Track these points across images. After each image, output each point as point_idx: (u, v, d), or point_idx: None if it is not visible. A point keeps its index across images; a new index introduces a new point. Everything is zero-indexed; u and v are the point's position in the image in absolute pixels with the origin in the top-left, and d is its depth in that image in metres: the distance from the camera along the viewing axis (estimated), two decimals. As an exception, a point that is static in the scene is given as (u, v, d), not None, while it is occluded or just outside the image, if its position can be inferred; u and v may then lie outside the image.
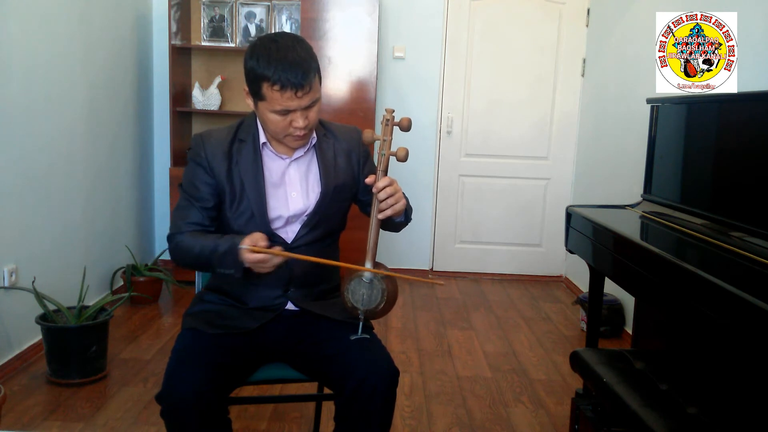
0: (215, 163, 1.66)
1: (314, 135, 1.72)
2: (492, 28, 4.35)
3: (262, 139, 1.69)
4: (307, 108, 1.58)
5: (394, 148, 1.55)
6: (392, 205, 1.54)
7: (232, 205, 1.67)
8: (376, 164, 1.57)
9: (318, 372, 1.67)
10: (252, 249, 1.48)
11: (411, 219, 1.78)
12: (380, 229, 1.75)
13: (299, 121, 1.58)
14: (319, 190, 1.71)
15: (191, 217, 1.66)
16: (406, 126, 1.56)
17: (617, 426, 2.04)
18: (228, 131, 1.71)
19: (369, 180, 1.55)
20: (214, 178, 1.66)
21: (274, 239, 1.68)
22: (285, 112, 1.57)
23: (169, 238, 1.68)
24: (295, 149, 1.70)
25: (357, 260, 1.60)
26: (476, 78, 4.38)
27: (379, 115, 4.08)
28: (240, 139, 1.70)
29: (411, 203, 1.78)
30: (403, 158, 1.53)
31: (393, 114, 1.56)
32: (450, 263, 4.60)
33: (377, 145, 1.58)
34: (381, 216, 1.55)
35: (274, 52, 1.53)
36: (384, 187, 1.53)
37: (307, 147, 1.72)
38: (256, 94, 1.58)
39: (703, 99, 2.08)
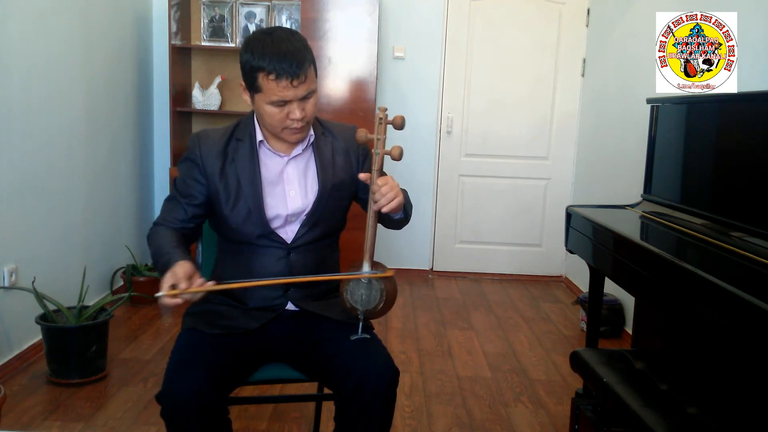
0: (209, 161, 1.67)
1: (312, 132, 1.72)
2: (492, 28, 4.35)
3: (259, 137, 1.70)
4: (304, 99, 1.59)
5: (388, 147, 1.55)
6: (391, 200, 1.53)
7: (228, 203, 1.67)
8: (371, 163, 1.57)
9: (318, 372, 1.67)
10: (169, 294, 1.40)
11: (411, 215, 1.77)
12: (384, 228, 1.75)
13: (296, 113, 1.58)
14: (317, 188, 1.71)
15: (173, 213, 1.67)
16: (399, 124, 1.56)
17: (617, 426, 2.04)
18: (225, 131, 1.72)
19: (363, 176, 1.55)
20: (207, 177, 1.67)
21: (272, 239, 1.68)
22: (282, 103, 1.57)
23: (152, 225, 1.69)
24: (293, 146, 1.70)
25: (356, 260, 1.60)
26: (476, 78, 4.38)
27: (379, 115, 4.08)
28: (237, 138, 1.70)
29: (411, 202, 1.78)
30: (398, 157, 1.53)
31: (386, 112, 1.56)
32: (450, 263, 4.60)
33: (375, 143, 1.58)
34: (375, 208, 1.54)
35: (268, 44, 1.54)
36: (381, 186, 1.53)
37: (305, 144, 1.72)
38: (252, 87, 1.58)
39: (703, 99, 2.07)
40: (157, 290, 1.44)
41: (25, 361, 2.79)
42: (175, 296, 1.41)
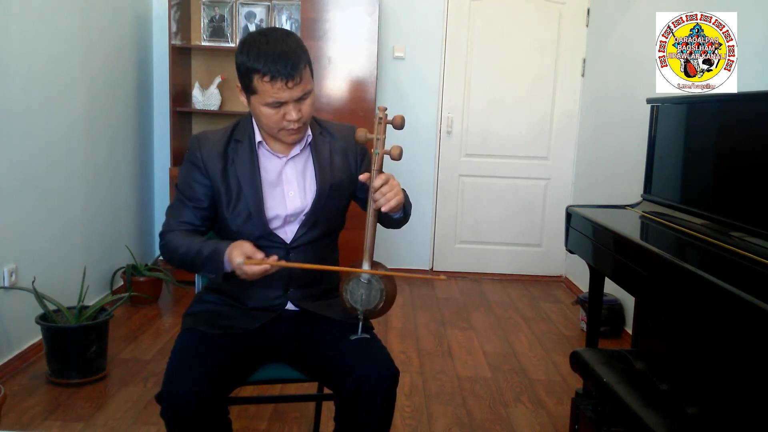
0: (210, 163, 1.66)
1: (310, 133, 1.72)
2: (492, 28, 4.35)
3: (258, 138, 1.70)
4: (300, 100, 1.58)
5: (388, 147, 1.55)
6: (390, 199, 1.53)
7: (228, 205, 1.67)
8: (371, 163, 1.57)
9: (318, 372, 1.67)
10: (249, 262, 1.47)
11: (410, 214, 1.77)
12: (384, 228, 1.75)
13: (292, 114, 1.58)
14: (315, 188, 1.71)
15: (183, 217, 1.67)
16: (399, 124, 1.56)
17: (617, 426, 2.04)
18: (224, 132, 1.71)
19: (363, 177, 1.55)
20: (209, 179, 1.67)
21: (271, 239, 1.68)
22: (277, 105, 1.57)
23: (161, 235, 1.69)
24: (291, 146, 1.70)
25: (355, 260, 1.59)
26: (476, 78, 4.38)
27: (379, 115, 4.08)
28: (236, 139, 1.70)
29: (410, 201, 1.78)
30: (398, 156, 1.53)
31: (386, 112, 1.56)
32: (450, 263, 4.60)
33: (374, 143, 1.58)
34: (375, 207, 1.54)
35: (263, 45, 1.54)
36: (381, 186, 1.53)
37: (303, 145, 1.72)
38: (248, 89, 1.59)
39: (703, 99, 2.08)
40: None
41: (25, 361, 2.79)
42: (254, 265, 1.47)
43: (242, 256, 1.48)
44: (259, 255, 1.49)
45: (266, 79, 1.53)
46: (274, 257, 1.52)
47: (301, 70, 1.55)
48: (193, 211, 1.67)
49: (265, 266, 1.48)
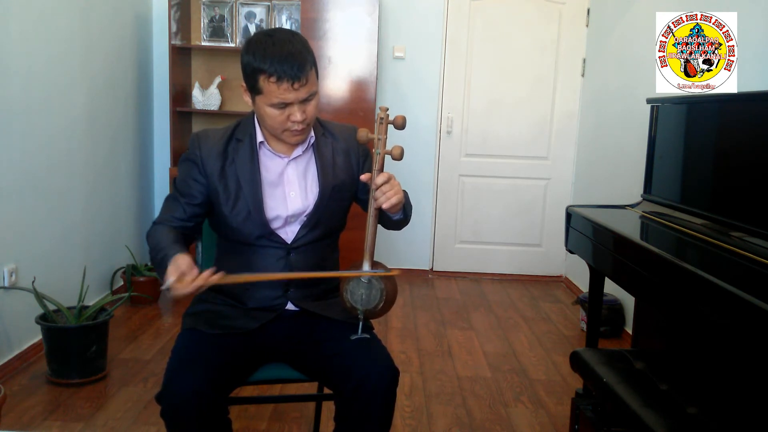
0: (209, 162, 1.67)
1: (312, 134, 1.72)
2: (492, 28, 4.35)
3: (260, 138, 1.70)
4: (305, 101, 1.58)
5: (389, 147, 1.55)
6: (391, 197, 1.53)
7: (227, 203, 1.67)
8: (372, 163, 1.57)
9: (318, 372, 1.67)
10: (179, 283, 1.39)
11: (410, 216, 1.77)
12: (384, 228, 1.75)
13: (297, 115, 1.58)
14: (318, 189, 1.71)
15: (173, 212, 1.67)
16: (400, 124, 1.56)
17: (617, 426, 2.04)
18: (225, 131, 1.72)
19: (364, 177, 1.55)
20: (207, 177, 1.67)
21: (272, 239, 1.68)
22: (282, 106, 1.57)
23: (152, 224, 1.68)
24: (293, 147, 1.70)
25: (356, 260, 1.60)
26: (476, 78, 4.38)
27: (379, 115, 4.08)
28: (237, 138, 1.70)
29: (411, 203, 1.78)
30: (399, 156, 1.53)
31: (387, 112, 1.56)
32: (450, 263, 4.60)
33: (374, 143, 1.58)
34: (375, 205, 1.54)
35: (269, 45, 1.54)
36: (382, 184, 1.53)
37: (306, 146, 1.72)
38: (254, 89, 1.58)
39: (703, 99, 2.08)
40: (158, 291, 1.44)
41: (25, 361, 2.79)
42: (183, 286, 1.40)
43: (176, 274, 1.40)
44: (189, 277, 1.40)
45: (272, 79, 1.53)
46: (209, 272, 1.42)
47: (307, 71, 1.55)
48: (185, 207, 1.67)
49: (197, 283, 1.40)
